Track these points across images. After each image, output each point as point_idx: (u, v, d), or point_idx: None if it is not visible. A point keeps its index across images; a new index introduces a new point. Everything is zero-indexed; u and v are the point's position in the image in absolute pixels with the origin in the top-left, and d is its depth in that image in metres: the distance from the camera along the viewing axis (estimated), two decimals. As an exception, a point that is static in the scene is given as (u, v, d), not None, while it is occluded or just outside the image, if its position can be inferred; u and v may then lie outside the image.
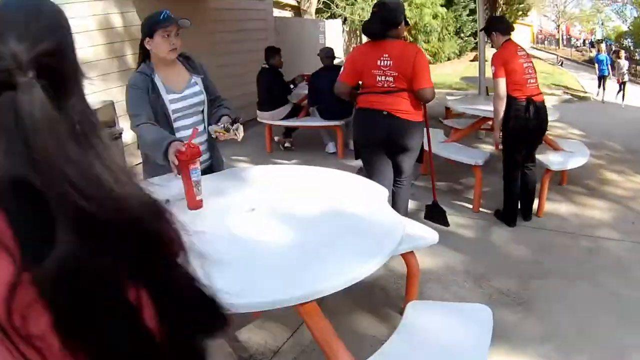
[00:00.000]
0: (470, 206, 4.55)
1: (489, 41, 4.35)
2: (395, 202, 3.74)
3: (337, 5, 18.57)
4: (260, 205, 2.24)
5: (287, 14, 16.65)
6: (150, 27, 2.53)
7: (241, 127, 2.50)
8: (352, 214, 2.11)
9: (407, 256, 2.62)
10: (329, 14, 18.83)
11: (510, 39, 4.01)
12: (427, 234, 2.69)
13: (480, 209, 4.49)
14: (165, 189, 2.33)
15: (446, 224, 3.90)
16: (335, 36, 13.54)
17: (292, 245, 1.86)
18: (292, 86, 7.14)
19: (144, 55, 2.65)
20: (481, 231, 4.11)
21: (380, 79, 3.42)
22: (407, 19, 3.60)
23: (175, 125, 2.65)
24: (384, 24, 3.40)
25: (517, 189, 4.09)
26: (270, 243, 1.88)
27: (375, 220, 2.04)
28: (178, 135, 2.61)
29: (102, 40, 5.65)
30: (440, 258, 3.60)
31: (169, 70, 2.65)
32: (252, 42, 8.44)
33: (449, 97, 8.78)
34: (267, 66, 6.87)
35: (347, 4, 18.68)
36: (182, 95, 2.64)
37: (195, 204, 2.25)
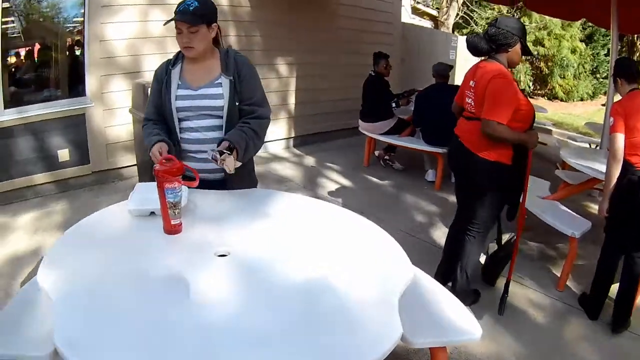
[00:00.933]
0: (556, 280, 3.75)
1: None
2: (455, 258, 3.17)
3: (476, 23, 17.65)
4: (238, 249, 1.79)
5: (427, 23, 15.99)
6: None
7: (230, 159, 2.06)
8: (345, 292, 1.58)
9: (436, 352, 1.97)
10: (468, 30, 17.99)
11: (638, 88, 3.22)
12: (468, 326, 2.05)
13: (567, 287, 3.68)
14: (152, 200, 1.96)
15: (499, 311, 3.20)
16: (469, 54, 12.62)
17: (234, 326, 1.39)
18: (393, 104, 6.52)
19: None
20: (555, 317, 3.33)
21: (467, 101, 3.03)
22: (527, 45, 2.97)
23: (181, 125, 2.30)
24: (490, 42, 2.89)
25: (611, 278, 3.25)
26: (213, 313, 1.43)
27: (366, 315, 1.49)
28: (183, 136, 2.29)
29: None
30: (494, 344, 2.94)
31: (198, 62, 2.30)
32: (376, 45, 7.84)
33: (570, 141, 7.85)
34: (373, 73, 6.37)
35: (487, 23, 17.67)
36: (196, 94, 2.26)
37: (170, 229, 1.86)
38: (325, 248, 1.92)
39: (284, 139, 7.22)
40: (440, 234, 4.52)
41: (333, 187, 5.71)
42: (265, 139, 2.39)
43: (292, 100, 7.12)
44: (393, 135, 6.31)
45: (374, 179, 6.09)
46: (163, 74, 2.29)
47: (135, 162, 5.18)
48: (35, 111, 4.66)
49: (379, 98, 6.30)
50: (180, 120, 2.27)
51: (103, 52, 4.83)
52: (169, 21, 2.15)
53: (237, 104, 2.28)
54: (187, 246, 1.80)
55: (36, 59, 4.72)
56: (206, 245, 1.81)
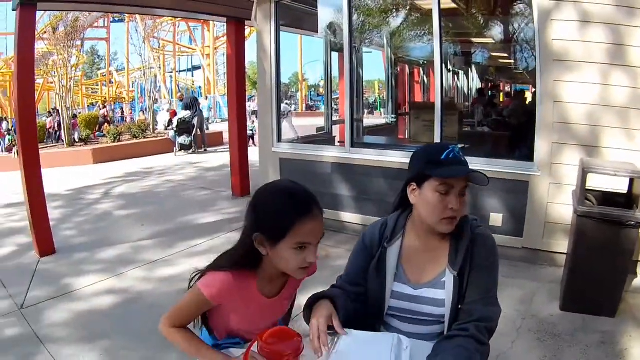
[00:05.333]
0: None
1: None
2: None
3: None
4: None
5: None
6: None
7: None
8: None
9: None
10: None
11: None
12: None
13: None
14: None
15: None
16: None
17: None
18: None
19: None
20: None
21: None
22: None
23: (386, 320, 1.75)
24: None
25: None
26: None
27: None
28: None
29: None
30: None
31: (424, 241, 1.70)
32: None
33: None
34: None
35: None
36: (415, 294, 1.68)
37: None
38: None
39: None
40: None
41: None
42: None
43: None
44: None
45: None
46: (374, 247, 1.70)
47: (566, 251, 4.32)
48: (476, 164, 4.56)
49: None
50: (387, 315, 1.72)
51: (557, 115, 4.25)
52: (448, 177, 1.53)
53: (459, 306, 1.59)
54: None
55: (483, 108, 4.61)
56: None
